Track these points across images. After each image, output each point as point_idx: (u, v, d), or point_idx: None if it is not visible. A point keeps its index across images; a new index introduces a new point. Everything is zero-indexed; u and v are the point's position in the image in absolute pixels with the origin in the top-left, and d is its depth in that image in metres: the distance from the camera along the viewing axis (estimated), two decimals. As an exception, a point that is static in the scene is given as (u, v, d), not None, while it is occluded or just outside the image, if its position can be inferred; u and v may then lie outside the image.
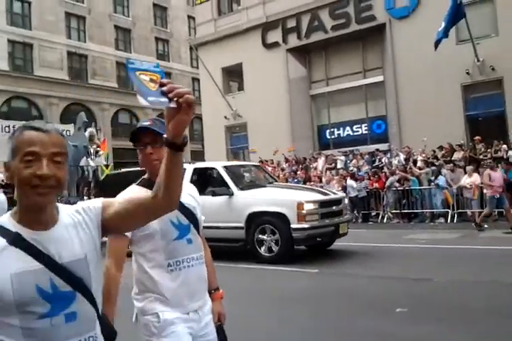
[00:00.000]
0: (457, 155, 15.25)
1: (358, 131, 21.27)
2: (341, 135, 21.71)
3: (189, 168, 9.23)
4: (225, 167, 9.35)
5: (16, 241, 1.40)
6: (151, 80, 1.37)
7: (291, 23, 21.97)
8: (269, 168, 17.31)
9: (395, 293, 5.78)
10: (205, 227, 8.69)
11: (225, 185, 8.70)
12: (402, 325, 4.47)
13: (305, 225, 7.92)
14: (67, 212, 1.53)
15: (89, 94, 33.47)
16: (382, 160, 16.80)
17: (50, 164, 1.40)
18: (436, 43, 15.43)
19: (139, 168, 10.83)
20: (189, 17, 40.33)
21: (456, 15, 15.32)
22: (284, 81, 22.00)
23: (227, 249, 8.66)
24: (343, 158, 18.15)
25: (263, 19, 22.81)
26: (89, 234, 1.53)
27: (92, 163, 13.21)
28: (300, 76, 22.41)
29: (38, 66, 31.90)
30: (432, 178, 14.28)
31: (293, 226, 7.92)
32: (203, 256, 2.28)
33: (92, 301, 1.50)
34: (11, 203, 12.04)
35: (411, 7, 18.74)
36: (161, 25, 40.66)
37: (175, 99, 1.38)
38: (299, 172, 17.70)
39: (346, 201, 10.00)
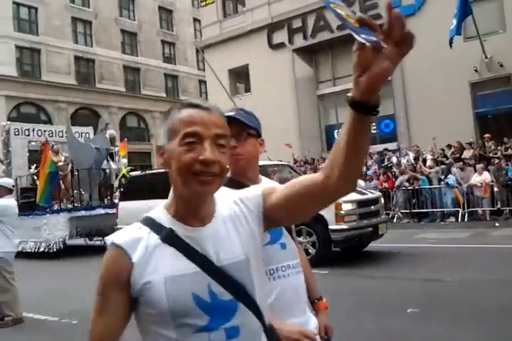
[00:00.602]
0: (467, 154, 15.13)
1: (366, 131, 21.14)
2: (349, 135, 21.56)
3: None
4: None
5: (170, 238, 1.22)
6: (348, 16, 1.11)
7: (297, 24, 21.94)
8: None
9: (406, 293, 5.72)
10: None
11: None
12: (413, 325, 4.43)
13: (344, 226, 7.64)
14: (223, 204, 1.31)
15: (97, 99, 33.63)
16: (391, 160, 16.71)
17: (214, 148, 1.19)
18: (450, 41, 15.32)
19: (163, 170, 11.40)
20: (195, 19, 40.41)
21: (464, 11, 15.22)
22: (290, 81, 21.97)
23: None
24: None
25: (268, 20, 22.80)
26: (249, 230, 1.29)
27: (113, 166, 13.06)
28: (307, 76, 22.37)
29: (46, 71, 32.09)
30: (442, 177, 14.18)
31: (331, 227, 7.62)
32: (300, 263, 1.92)
33: (257, 312, 1.25)
34: (32, 208, 12.07)
35: (417, 5, 18.65)
36: (166, 28, 40.76)
37: (381, 38, 1.03)
38: (308, 173, 17.66)
39: (382, 200, 9.68)
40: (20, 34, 31.17)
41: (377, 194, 9.41)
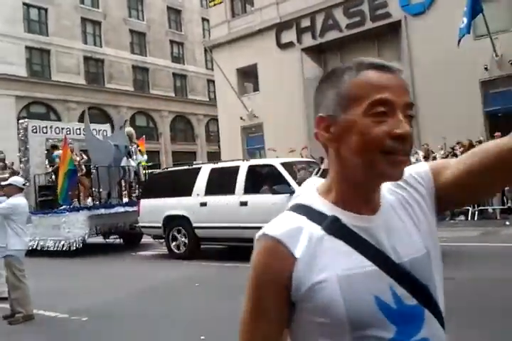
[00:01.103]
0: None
1: (375, 130, 21.10)
2: (358, 134, 21.54)
3: (243, 166, 9.06)
4: (283, 164, 8.89)
5: (336, 228, 0.99)
6: None
7: (306, 23, 21.90)
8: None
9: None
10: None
11: (285, 182, 8.26)
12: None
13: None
14: (387, 187, 1.07)
15: (107, 98, 33.80)
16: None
17: (406, 120, 0.97)
18: (459, 40, 15.22)
19: (186, 167, 10.57)
20: (203, 19, 40.52)
21: (475, 9, 15.11)
22: (299, 81, 21.94)
23: None
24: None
25: (277, 19, 22.77)
26: (424, 217, 1.05)
27: (133, 163, 12.99)
28: (315, 75, 22.30)
29: (56, 71, 32.29)
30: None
31: None
32: None
33: (441, 321, 1.04)
34: (50, 206, 12.08)
35: (426, 3, 18.53)
36: (175, 28, 40.88)
37: None
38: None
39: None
40: (30, 35, 31.39)
41: None
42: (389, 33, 19.91)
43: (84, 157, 13.47)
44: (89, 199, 12.81)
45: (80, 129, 13.74)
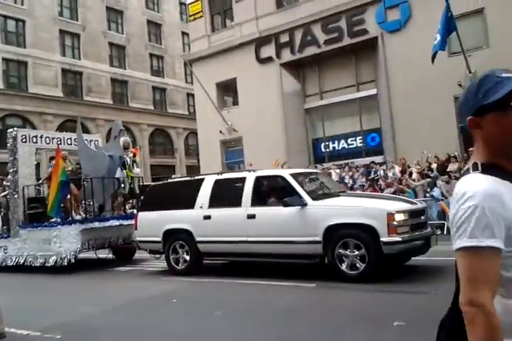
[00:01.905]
0: (452, 167, 15.29)
1: (352, 144, 21.33)
2: (336, 148, 21.76)
3: (250, 177, 8.59)
4: (293, 175, 8.42)
5: None
6: None
7: (285, 38, 22.15)
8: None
9: (393, 306, 5.72)
10: (275, 242, 7.76)
11: (296, 194, 7.81)
12: (398, 339, 4.41)
13: (397, 238, 6.96)
14: None
15: (84, 111, 33.53)
16: (378, 173, 16.82)
17: None
18: (433, 57, 15.55)
19: (187, 178, 9.86)
20: (183, 33, 40.68)
21: (449, 27, 15.50)
22: (278, 95, 22.11)
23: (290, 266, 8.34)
24: (337, 170, 18.17)
25: (256, 34, 22.99)
26: None
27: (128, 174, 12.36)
28: (294, 90, 22.54)
29: (33, 83, 31.99)
30: (428, 190, 14.29)
31: (383, 239, 6.94)
32: None
33: None
34: (39, 219, 11.49)
35: (402, 20, 18.94)
36: (155, 41, 40.94)
37: None
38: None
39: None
40: (7, 46, 31.11)
41: (424, 204, 8.89)
42: (366, 49, 20.25)
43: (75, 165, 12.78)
44: (81, 212, 12.25)
45: (71, 139, 13.12)
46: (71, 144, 12.99)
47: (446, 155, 16.05)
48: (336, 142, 21.74)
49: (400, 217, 7.15)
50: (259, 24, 23.10)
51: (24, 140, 12.24)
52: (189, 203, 9.06)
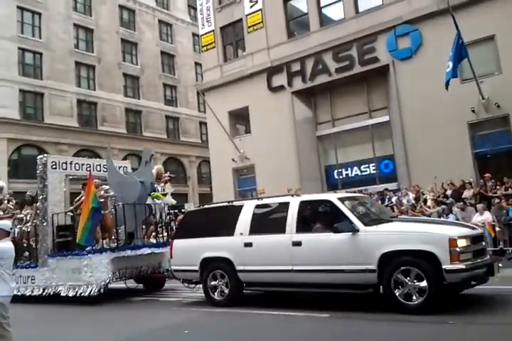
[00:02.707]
0: (467, 193, 15.09)
1: (366, 171, 21.22)
2: (349, 175, 21.65)
3: (294, 202, 8.14)
4: (341, 199, 7.98)
5: None
6: None
7: (296, 67, 22.39)
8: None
9: (412, 336, 5.55)
10: (324, 271, 7.29)
11: (346, 220, 7.38)
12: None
13: (461, 266, 6.51)
14: None
15: (99, 140, 33.91)
16: (392, 200, 16.65)
17: None
18: (447, 84, 15.57)
19: (225, 204, 9.14)
20: (196, 63, 41.38)
21: (459, 54, 15.57)
22: (290, 123, 22.21)
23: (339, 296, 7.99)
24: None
25: (268, 64, 23.28)
26: None
27: (158, 202, 11.98)
28: (306, 117, 22.63)
29: (49, 114, 32.55)
30: (443, 217, 14.07)
31: (445, 267, 6.46)
32: None
33: None
34: (68, 248, 11.17)
35: (413, 48, 19.07)
36: (168, 71, 41.66)
37: None
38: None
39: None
40: (25, 78, 31.81)
41: (481, 229, 8.33)
42: (377, 76, 20.36)
43: (110, 192, 12.31)
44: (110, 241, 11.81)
45: (100, 165, 12.95)
46: (100, 171, 12.75)
47: (461, 181, 15.87)
48: (349, 169, 21.65)
49: (462, 243, 6.70)
50: (271, 53, 23.42)
51: (54, 166, 11.99)
52: (228, 230, 8.66)
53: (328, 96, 22.21)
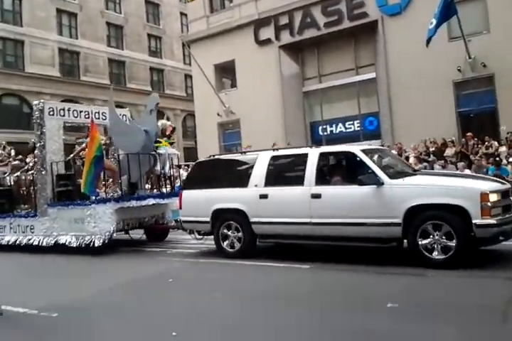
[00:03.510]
0: (449, 151, 15.35)
1: (350, 128, 21.34)
2: (334, 131, 21.77)
3: (313, 153, 7.82)
4: (364, 151, 7.65)
5: None
6: None
7: (284, 20, 21.96)
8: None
9: (389, 288, 5.77)
10: (345, 224, 7.17)
11: (370, 172, 7.13)
12: (392, 321, 4.48)
13: (492, 221, 6.30)
14: None
15: (82, 91, 33.30)
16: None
17: None
18: (428, 41, 15.49)
19: (238, 154, 9.26)
20: (182, 14, 40.23)
21: (447, 12, 15.39)
22: (276, 78, 22.02)
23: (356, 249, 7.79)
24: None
25: (255, 16, 22.78)
26: None
27: (161, 151, 11.45)
28: (293, 73, 22.43)
29: (30, 63, 31.71)
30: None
31: (476, 222, 6.29)
32: None
33: None
34: (70, 197, 10.76)
35: (403, 4, 18.80)
36: (153, 21, 40.50)
37: None
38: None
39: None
40: (4, 25, 30.74)
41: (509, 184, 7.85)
42: (366, 32, 20.11)
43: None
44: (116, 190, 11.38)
45: (99, 113, 12.25)
46: (99, 118, 12.06)
47: (443, 140, 16.09)
48: (334, 125, 21.74)
49: (493, 198, 6.46)
50: (259, 5, 22.88)
51: (52, 113, 11.37)
52: (241, 181, 8.41)
53: (315, 51, 21.95)
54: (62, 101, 32.53)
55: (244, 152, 9.43)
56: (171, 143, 12.34)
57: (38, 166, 11.23)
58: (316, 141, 21.89)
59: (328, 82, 21.62)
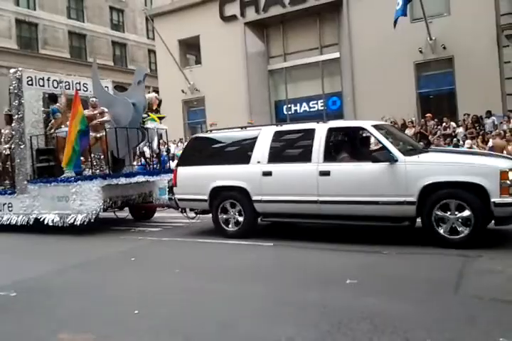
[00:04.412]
0: (408, 132, 15.74)
1: (314, 107, 21.54)
2: (298, 111, 21.93)
3: (320, 129, 7.48)
4: (377, 127, 7.31)
5: None
6: None
7: (250, -4, 21.74)
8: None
9: (347, 265, 5.96)
10: (356, 202, 6.92)
11: (383, 149, 6.92)
12: (350, 296, 4.70)
13: (510, 199, 6.13)
14: None
15: (41, 64, 32.26)
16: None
17: None
18: (395, 22, 15.67)
19: (236, 129, 8.49)
20: (145, -14, 39.16)
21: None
22: (241, 55, 21.91)
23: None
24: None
25: (221, -9, 22.46)
26: None
27: (150, 126, 10.94)
28: (258, 51, 22.36)
29: (-15, 34, 30.47)
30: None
31: (495, 200, 6.12)
32: None
33: None
34: (51, 173, 10.18)
35: (367, -16, 18.85)
36: (115, -7, 39.31)
37: None
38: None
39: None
40: (-43, -7, 29.34)
41: None
42: (331, 11, 20.17)
43: (106, 115, 10.62)
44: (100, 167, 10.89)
45: (79, 84, 11.62)
46: (80, 90, 11.30)
47: (403, 120, 16.48)
48: (298, 105, 21.89)
49: None
50: (224, -20, 22.53)
51: (30, 82, 10.66)
52: (242, 158, 8.05)
53: (281, 29, 21.90)
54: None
55: (245, 127, 8.96)
56: (161, 118, 11.89)
57: (17, 140, 10.58)
58: (280, 120, 22.04)
59: (292, 60, 21.66)
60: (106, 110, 10.46)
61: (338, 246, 7.07)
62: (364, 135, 7.98)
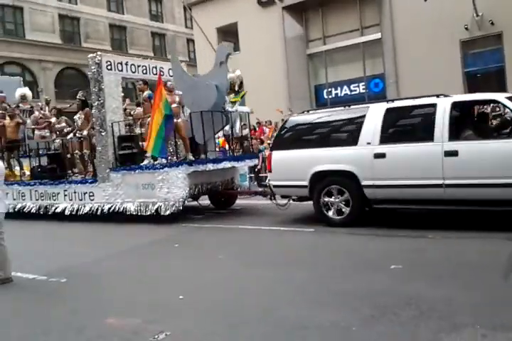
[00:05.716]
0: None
1: (355, 90, 21.07)
2: (339, 94, 21.51)
3: (443, 103, 6.78)
4: (511, 98, 6.53)
5: None
6: None
7: (287, -20, 21.37)
8: (267, 129, 17.26)
9: (392, 250, 5.84)
10: (493, 185, 6.23)
11: None
12: (395, 281, 4.54)
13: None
14: None
15: (84, 58, 32.88)
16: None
17: None
18: None
19: (339, 108, 8.04)
20: (182, -25, 39.18)
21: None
22: (280, 40, 21.62)
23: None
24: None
25: (257, -24, 22.17)
26: None
27: (232, 109, 10.46)
28: (297, 35, 22.01)
29: (30, 30, 31.28)
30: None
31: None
32: None
33: None
34: (133, 161, 9.80)
35: (409, -40, 18.17)
36: (153, -16, 39.57)
37: None
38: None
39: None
40: (1, -9, 30.17)
41: None
42: (371, -10, 19.58)
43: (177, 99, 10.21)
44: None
45: (156, 68, 11.14)
46: (156, 74, 10.70)
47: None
48: (339, 88, 21.47)
49: None
50: (261, -35, 22.21)
51: (109, 67, 10.25)
52: (348, 139, 7.46)
53: (319, 12, 21.45)
54: (64, 68, 32.36)
55: (348, 105, 8.13)
56: (242, 96, 11.30)
57: (97, 127, 10.26)
58: (321, 104, 21.66)
59: (332, 43, 21.21)
60: (180, 93, 10.06)
61: (382, 231, 6.91)
62: (484, 110, 7.30)
